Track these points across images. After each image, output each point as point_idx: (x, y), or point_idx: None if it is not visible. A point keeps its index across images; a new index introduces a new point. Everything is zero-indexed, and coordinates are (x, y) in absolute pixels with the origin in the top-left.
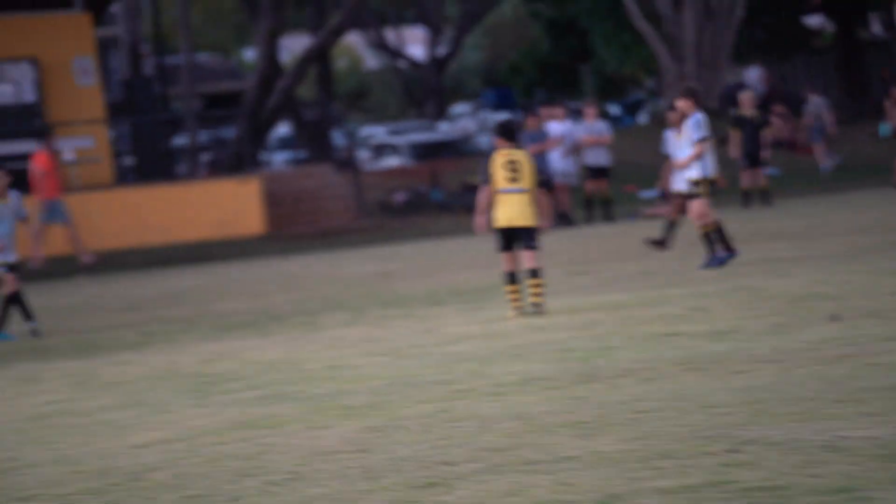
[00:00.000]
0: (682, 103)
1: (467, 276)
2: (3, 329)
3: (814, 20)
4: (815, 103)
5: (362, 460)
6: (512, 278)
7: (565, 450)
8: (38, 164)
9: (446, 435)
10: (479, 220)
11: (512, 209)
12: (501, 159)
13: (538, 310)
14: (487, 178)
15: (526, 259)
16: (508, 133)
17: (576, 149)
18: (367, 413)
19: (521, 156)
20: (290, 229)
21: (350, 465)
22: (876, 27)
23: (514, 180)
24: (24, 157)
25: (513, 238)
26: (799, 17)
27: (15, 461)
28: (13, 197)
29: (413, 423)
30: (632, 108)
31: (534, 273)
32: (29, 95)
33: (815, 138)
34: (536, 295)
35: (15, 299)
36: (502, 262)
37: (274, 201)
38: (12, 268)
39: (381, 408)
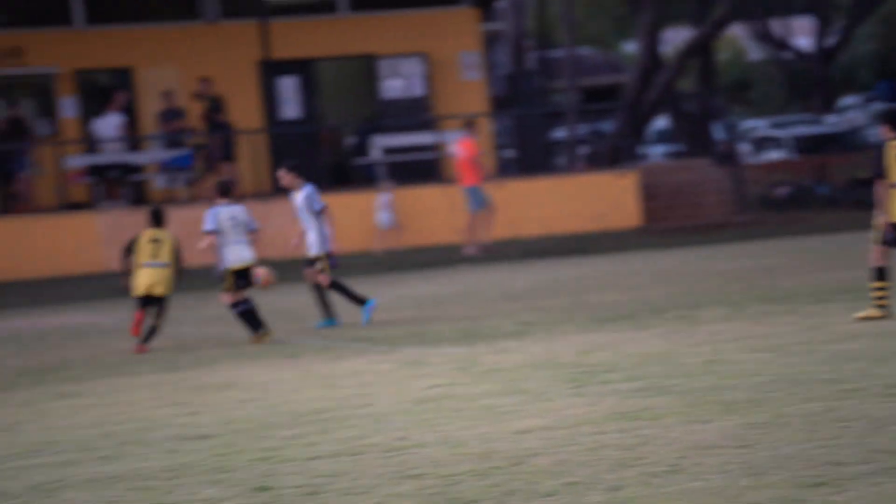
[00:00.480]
0: None
1: (858, 273)
2: (329, 316)
3: None
4: None
5: (744, 456)
6: (881, 274)
7: None
8: (465, 151)
9: (834, 434)
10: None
11: None
12: (894, 151)
13: None
14: (881, 171)
15: None
16: None
17: None
18: (749, 409)
19: None
20: (667, 223)
21: (731, 461)
22: None
23: None
24: (412, 150)
25: None
26: None
27: (404, 440)
28: (305, 190)
29: (798, 421)
30: None
31: None
32: (418, 89)
33: None
34: None
35: (324, 288)
36: (874, 255)
37: (650, 194)
38: (315, 260)
39: (764, 404)
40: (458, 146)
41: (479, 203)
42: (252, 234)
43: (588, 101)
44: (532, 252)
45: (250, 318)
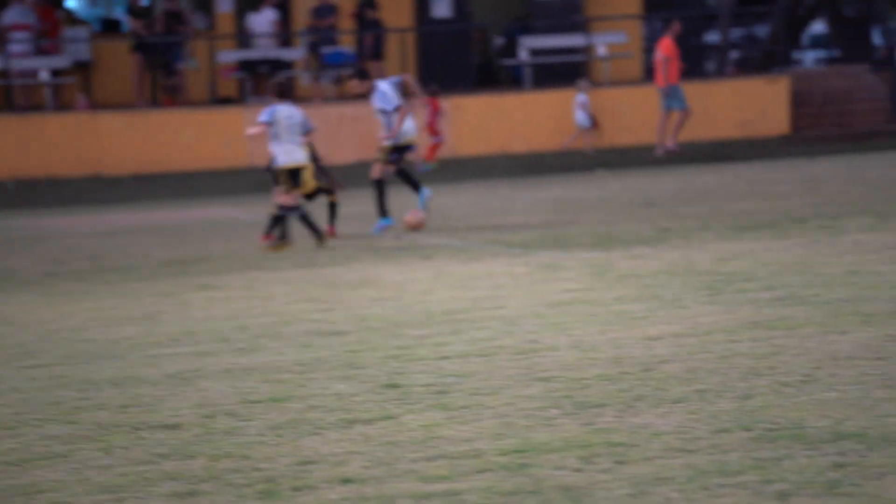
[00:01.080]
0: None
1: None
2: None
3: None
4: None
5: (881, 368)
6: None
7: None
8: (662, 50)
9: None
10: None
11: None
12: None
13: None
14: None
15: None
16: None
17: None
18: (889, 321)
19: None
20: (816, 130)
21: (868, 372)
22: None
23: None
24: (561, 52)
25: None
26: None
27: (535, 343)
28: (379, 87)
29: None
30: None
31: None
32: None
33: None
34: None
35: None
36: None
37: (801, 101)
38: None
39: None
40: (658, 46)
41: (682, 101)
42: (308, 134)
43: (743, 4)
44: (674, 158)
45: (281, 223)
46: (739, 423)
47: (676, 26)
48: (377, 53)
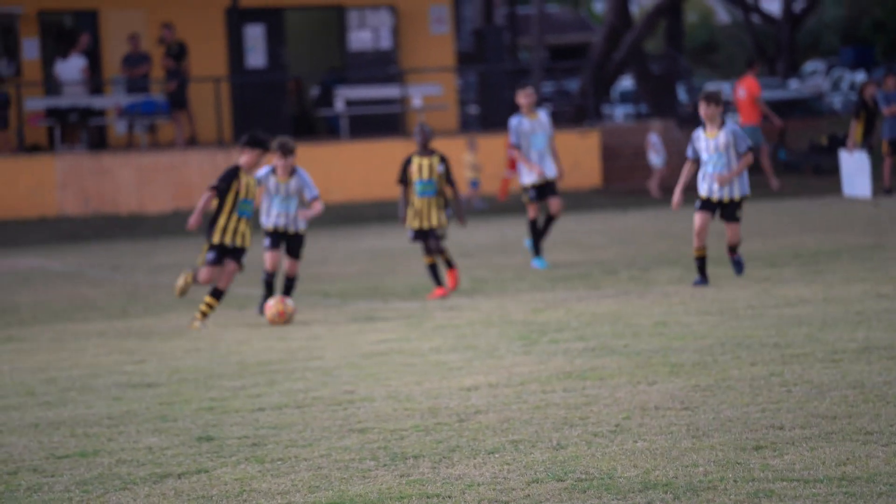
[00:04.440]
0: None
1: (810, 238)
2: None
3: None
4: None
5: (688, 418)
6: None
7: None
8: (748, 90)
9: (777, 399)
10: None
11: None
12: None
13: None
14: None
15: None
16: None
17: None
18: (695, 371)
19: None
20: (627, 183)
21: (675, 422)
22: None
23: None
24: (376, 102)
25: None
26: None
27: (352, 394)
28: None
29: (742, 385)
30: None
31: None
32: (385, 42)
33: None
34: None
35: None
36: None
37: (612, 155)
38: None
39: (710, 367)
40: (741, 85)
41: (758, 141)
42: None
43: (555, 60)
44: (493, 209)
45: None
46: (552, 473)
47: (757, 66)
48: (182, 103)
